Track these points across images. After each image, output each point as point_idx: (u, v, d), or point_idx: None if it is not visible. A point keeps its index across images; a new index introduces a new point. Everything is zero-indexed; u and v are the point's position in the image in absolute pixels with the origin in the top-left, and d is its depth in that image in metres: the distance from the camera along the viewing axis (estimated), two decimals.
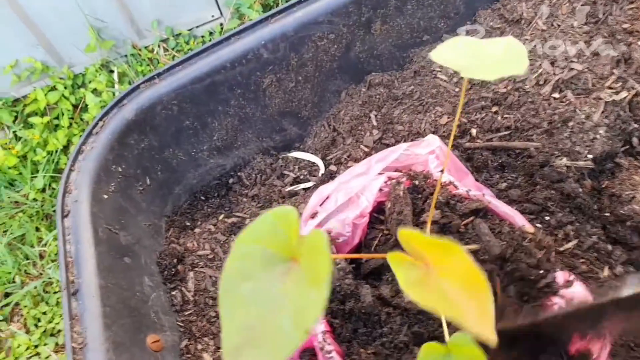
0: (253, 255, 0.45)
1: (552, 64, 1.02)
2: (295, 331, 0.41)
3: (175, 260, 0.93)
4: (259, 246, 0.44)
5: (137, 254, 0.88)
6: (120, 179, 0.92)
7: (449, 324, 0.55)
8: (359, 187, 0.73)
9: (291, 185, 1.10)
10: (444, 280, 0.40)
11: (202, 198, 1.08)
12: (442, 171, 0.63)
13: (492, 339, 0.36)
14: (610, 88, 0.98)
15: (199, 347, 0.85)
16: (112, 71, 1.86)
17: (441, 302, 0.38)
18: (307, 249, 0.41)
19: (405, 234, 0.42)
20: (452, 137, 0.62)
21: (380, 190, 0.71)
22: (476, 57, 0.58)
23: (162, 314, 0.85)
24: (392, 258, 0.42)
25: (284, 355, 0.41)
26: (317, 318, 0.40)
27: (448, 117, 1.07)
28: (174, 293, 0.90)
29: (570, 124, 0.97)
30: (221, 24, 1.94)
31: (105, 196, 0.88)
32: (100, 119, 0.93)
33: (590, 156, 0.95)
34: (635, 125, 0.98)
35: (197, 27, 1.92)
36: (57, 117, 1.81)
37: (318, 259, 0.39)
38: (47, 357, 1.29)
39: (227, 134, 1.06)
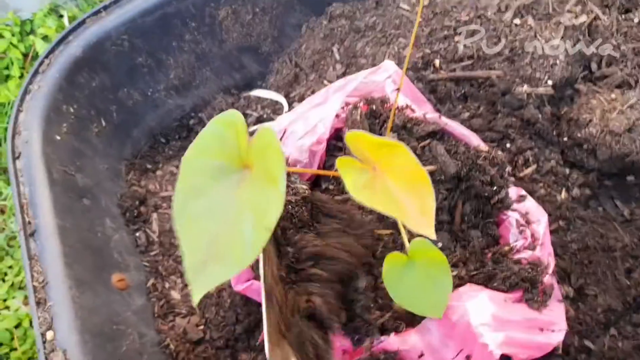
0: (203, 169, 0.43)
1: None
2: (256, 232, 0.40)
3: (137, 203, 0.92)
4: (208, 159, 0.43)
5: (96, 196, 0.86)
6: (72, 120, 0.89)
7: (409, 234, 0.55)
8: (317, 117, 0.72)
9: (254, 124, 1.08)
10: (390, 181, 0.40)
11: (163, 140, 1.05)
12: (397, 89, 0.62)
13: (431, 233, 0.36)
14: (569, 12, 0.97)
15: (167, 285, 0.85)
16: (61, 16, 1.76)
17: (387, 202, 0.38)
18: (258, 151, 0.40)
19: (353, 135, 0.42)
20: (406, 64, 0.61)
21: (337, 116, 0.70)
22: None
23: (126, 254, 0.84)
24: (341, 162, 0.42)
25: (247, 260, 0.41)
26: (277, 213, 0.39)
27: (411, 48, 1.05)
28: (137, 234, 0.89)
29: (531, 50, 0.96)
30: None
31: (58, 137, 0.85)
32: (45, 57, 0.88)
33: (550, 82, 0.95)
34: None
35: None
36: (7, 67, 1.72)
37: (270, 157, 0.38)
38: (16, 310, 1.28)
39: (184, 72, 1.02)
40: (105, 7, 0.90)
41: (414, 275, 0.51)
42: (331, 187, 0.65)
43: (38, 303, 0.69)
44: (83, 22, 0.90)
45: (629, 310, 0.82)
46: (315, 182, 0.72)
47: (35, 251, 0.71)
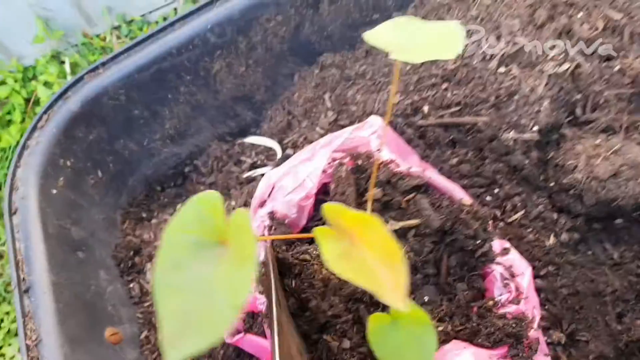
0: (182, 244, 0.45)
1: (498, 38, 1.04)
2: (228, 309, 0.42)
3: (132, 253, 0.93)
4: (187, 235, 0.45)
5: (91, 247, 0.88)
6: (69, 173, 0.91)
7: None
8: (305, 172, 0.74)
9: (249, 170, 1.10)
10: (365, 252, 0.41)
11: (158, 188, 1.07)
12: (379, 150, 0.64)
13: (403, 307, 0.37)
14: (552, 60, 1.00)
15: (160, 337, 0.85)
16: (63, 62, 1.81)
17: (362, 274, 0.40)
18: (233, 230, 0.42)
19: (329, 208, 0.44)
20: (388, 115, 0.64)
21: (325, 171, 0.72)
22: (409, 39, 0.59)
23: (120, 306, 0.85)
24: (318, 232, 0.44)
25: (220, 334, 0.43)
26: (246, 294, 0.41)
27: (400, 95, 1.08)
28: (131, 285, 0.89)
29: (516, 97, 0.99)
30: (175, 9, 1.90)
31: (54, 191, 0.87)
32: (44, 113, 0.91)
33: (536, 128, 0.97)
34: (578, 96, 1.01)
35: (150, 12, 1.87)
36: (9, 113, 1.76)
37: (243, 239, 0.40)
38: (11, 358, 1.28)
39: (179, 122, 1.05)
40: (103, 64, 0.94)
41: (398, 335, 0.52)
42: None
43: None
44: (81, 78, 0.93)
45: (621, 356, 0.82)
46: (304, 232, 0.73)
47: (30, 308, 0.73)
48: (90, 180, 0.95)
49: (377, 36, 0.57)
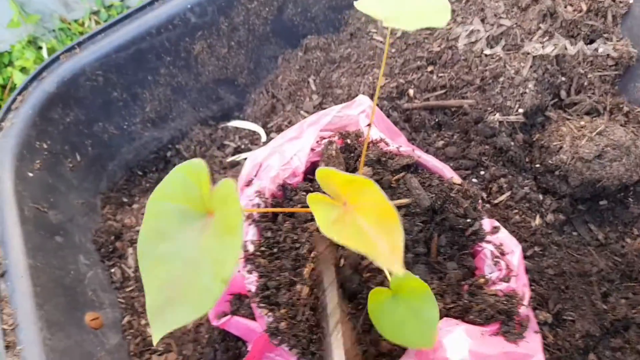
0: (167, 213, 0.44)
1: (482, 20, 1.04)
2: (214, 283, 0.41)
3: (112, 238, 0.90)
4: (172, 204, 0.43)
5: (69, 232, 0.85)
6: (46, 156, 0.88)
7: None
8: (292, 151, 0.72)
9: (232, 155, 1.08)
10: (360, 217, 0.40)
11: (140, 173, 1.04)
12: (369, 125, 0.63)
13: (400, 271, 0.37)
14: (537, 42, 1.00)
15: (142, 322, 0.83)
16: (40, 48, 1.75)
17: (356, 238, 0.39)
18: (219, 201, 0.41)
19: (323, 172, 0.42)
20: (376, 95, 0.62)
21: (313, 150, 0.71)
22: (399, 7, 0.58)
23: (101, 292, 0.82)
24: (311, 198, 0.42)
25: (205, 308, 0.42)
26: (233, 267, 0.40)
27: (386, 79, 1.07)
28: (113, 270, 0.87)
29: (501, 79, 0.99)
30: None
31: (30, 174, 0.84)
32: (19, 94, 0.88)
33: (521, 110, 0.97)
34: (563, 79, 1.01)
35: None
36: None
37: (229, 210, 0.39)
38: None
39: (160, 105, 1.02)
40: (79, 44, 0.90)
41: (400, 309, 0.51)
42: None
43: (7, 347, 0.67)
44: (57, 58, 0.90)
45: (606, 334, 0.83)
46: (291, 214, 0.72)
47: (5, 292, 0.70)
48: (68, 163, 0.92)
49: (368, 4, 0.56)
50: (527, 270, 0.84)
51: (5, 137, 0.83)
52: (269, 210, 0.64)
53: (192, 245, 0.44)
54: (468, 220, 0.64)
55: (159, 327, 0.43)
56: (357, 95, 1.07)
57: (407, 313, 0.50)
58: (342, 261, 0.60)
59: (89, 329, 0.75)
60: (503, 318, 0.60)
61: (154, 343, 0.43)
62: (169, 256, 0.44)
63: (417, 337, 0.49)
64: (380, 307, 0.50)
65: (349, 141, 0.72)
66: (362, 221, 0.42)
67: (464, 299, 0.62)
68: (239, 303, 0.72)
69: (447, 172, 0.70)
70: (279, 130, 1.09)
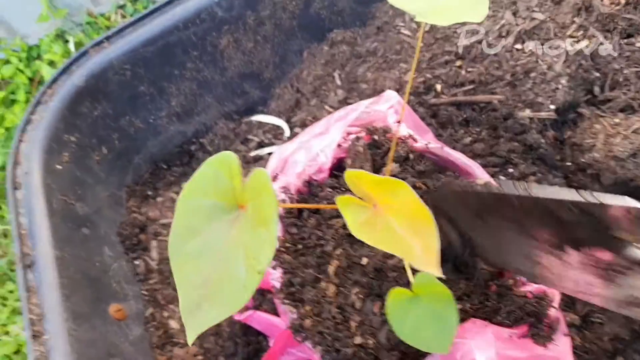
0: (198, 209, 0.43)
1: (514, 14, 1.01)
2: (249, 275, 0.40)
3: (137, 230, 0.91)
4: (203, 199, 0.43)
5: (95, 224, 0.86)
6: (74, 149, 0.89)
7: (413, 271, 0.54)
8: (319, 147, 0.71)
9: (256, 149, 1.08)
10: (391, 219, 0.39)
11: (164, 167, 1.05)
12: (399, 122, 0.62)
13: (437, 272, 0.35)
14: (571, 37, 0.97)
15: (165, 314, 0.84)
16: (67, 41, 1.78)
17: (389, 240, 0.37)
18: (251, 192, 0.40)
19: (352, 174, 0.41)
20: (407, 91, 0.61)
21: (339, 146, 0.70)
22: (434, 1, 0.56)
23: (125, 284, 0.83)
24: (341, 201, 0.41)
25: (241, 302, 0.41)
26: (269, 257, 0.39)
27: (413, 74, 1.05)
28: (137, 262, 0.88)
29: (533, 75, 0.96)
30: None
31: (59, 167, 0.85)
32: (48, 87, 0.89)
33: (552, 107, 0.95)
34: (597, 74, 0.98)
35: None
36: (13, 92, 1.74)
37: (263, 200, 0.38)
38: (16, 335, 1.27)
39: (185, 99, 1.02)
40: (107, 38, 0.91)
41: (419, 311, 0.50)
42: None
43: (34, 336, 0.68)
44: (86, 52, 0.90)
45: (636, 338, 0.80)
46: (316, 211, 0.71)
47: (33, 283, 0.71)
48: (96, 156, 0.93)
49: None
50: None
51: (34, 130, 0.85)
52: (295, 206, 0.63)
53: (224, 239, 0.43)
54: None
55: (194, 326, 0.43)
56: (382, 90, 1.05)
57: (426, 316, 0.48)
58: (364, 260, 0.59)
59: (113, 321, 0.76)
60: (532, 320, 0.58)
61: (189, 343, 0.43)
62: (201, 253, 0.44)
63: (434, 342, 0.48)
64: (400, 307, 0.49)
65: (376, 137, 0.71)
66: (394, 223, 0.41)
67: (492, 300, 0.60)
68: (261, 298, 0.72)
69: (476, 169, 0.68)
70: (303, 125, 1.08)
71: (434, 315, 0.50)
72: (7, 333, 1.28)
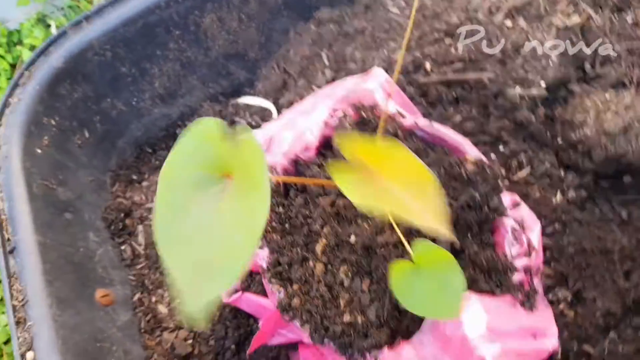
0: (182, 183, 0.41)
1: None
2: (245, 240, 0.38)
3: (122, 215, 0.89)
4: (186, 171, 0.40)
5: (79, 209, 0.84)
6: (54, 133, 0.86)
7: (407, 240, 0.53)
8: (305, 125, 0.70)
9: None
10: (390, 182, 0.37)
11: (149, 150, 1.03)
12: (389, 96, 0.60)
13: (447, 232, 0.34)
14: (562, 13, 0.95)
15: (153, 299, 0.83)
16: (49, 26, 1.74)
17: (388, 201, 0.35)
18: (239, 158, 0.37)
19: (345, 138, 0.39)
20: (398, 67, 0.59)
21: (326, 123, 0.68)
22: None
23: (111, 269, 0.82)
24: (333, 167, 0.39)
25: (241, 269, 0.38)
26: (264, 219, 0.37)
27: (403, 52, 1.03)
28: (123, 247, 0.86)
29: (523, 52, 0.94)
30: None
31: (39, 150, 0.83)
32: (26, 69, 0.86)
33: (543, 84, 0.93)
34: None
35: None
36: None
37: (252, 164, 0.36)
38: (5, 325, 1.25)
39: (169, 81, 0.99)
40: (86, 17, 0.88)
41: (424, 281, 0.48)
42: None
43: (18, 322, 0.67)
44: (64, 32, 0.88)
45: (628, 313, 0.80)
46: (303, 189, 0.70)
47: (15, 269, 0.69)
48: (77, 140, 0.91)
49: None
50: (547, 248, 0.82)
51: (13, 113, 0.82)
52: (294, 180, 0.62)
53: (212, 212, 0.40)
54: (488, 195, 0.62)
55: (195, 305, 0.40)
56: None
57: (431, 284, 0.47)
58: (352, 238, 0.58)
59: (99, 306, 0.75)
60: (519, 290, 0.58)
61: (203, 326, 0.40)
62: (190, 230, 0.41)
63: (443, 308, 0.46)
64: (404, 280, 0.47)
65: (364, 114, 0.69)
66: (395, 188, 0.39)
67: (484, 274, 0.59)
68: (249, 280, 0.71)
69: (466, 146, 0.67)
70: (291, 106, 1.06)
71: (440, 282, 0.48)
72: None
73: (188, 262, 0.40)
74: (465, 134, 0.93)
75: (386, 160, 0.39)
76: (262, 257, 0.60)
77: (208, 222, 0.39)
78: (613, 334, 0.78)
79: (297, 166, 0.68)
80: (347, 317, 0.55)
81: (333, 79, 1.05)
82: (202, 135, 0.39)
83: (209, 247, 0.38)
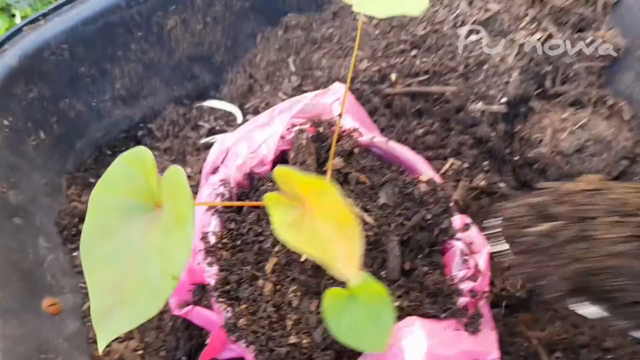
0: (110, 208, 0.41)
1: (470, 4, 1.00)
2: (163, 279, 0.39)
3: (77, 220, 0.87)
4: (116, 197, 0.40)
5: (30, 213, 0.82)
6: (7, 133, 0.84)
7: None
8: (262, 138, 0.69)
9: (207, 136, 1.05)
10: (318, 221, 0.38)
11: (109, 152, 1.01)
12: (340, 115, 0.60)
13: (355, 280, 0.35)
14: (524, 29, 0.97)
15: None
16: (14, 15, 1.68)
17: (312, 243, 0.36)
18: (168, 191, 0.38)
19: (281, 172, 0.40)
20: (347, 83, 0.59)
21: (283, 138, 0.68)
22: None
23: (62, 276, 0.80)
24: (269, 198, 0.40)
25: (155, 308, 0.39)
26: (184, 261, 0.38)
27: (368, 62, 1.03)
28: (75, 254, 0.84)
29: (485, 67, 0.96)
30: None
31: None
32: None
33: (504, 100, 0.95)
34: (549, 68, 0.98)
35: None
36: None
37: (179, 201, 0.36)
38: None
39: (131, 82, 0.98)
40: (44, 15, 0.86)
41: (355, 310, 0.50)
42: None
43: None
44: (20, 30, 0.85)
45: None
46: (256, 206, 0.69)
47: None
48: (32, 141, 0.88)
49: None
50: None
51: None
52: (230, 204, 0.61)
53: (138, 241, 0.41)
54: (439, 216, 0.62)
55: (105, 331, 0.41)
56: (337, 78, 1.03)
57: (362, 315, 0.48)
58: (303, 257, 0.58)
59: (46, 316, 0.73)
60: (464, 313, 0.59)
61: (100, 350, 0.41)
62: (114, 255, 0.42)
63: (370, 341, 0.48)
64: (336, 307, 0.48)
65: (321, 130, 0.69)
66: (321, 225, 0.40)
67: (430, 297, 0.60)
68: (201, 293, 0.70)
69: (420, 165, 0.68)
70: (256, 111, 1.05)
71: (370, 314, 0.49)
72: None
73: (106, 285, 0.40)
74: (427, 147, 0.94)
75: (318, 197, 0.39)
76: (211, 275, 0.60)
77: (132, 249, 0.40)
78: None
79: (252, 180, 0.68)
80: (292, 339, 0.55)
81: (299, 86, 1.05)
82: (135, 162, 0.39)
83: (129, 274, 0.39)
